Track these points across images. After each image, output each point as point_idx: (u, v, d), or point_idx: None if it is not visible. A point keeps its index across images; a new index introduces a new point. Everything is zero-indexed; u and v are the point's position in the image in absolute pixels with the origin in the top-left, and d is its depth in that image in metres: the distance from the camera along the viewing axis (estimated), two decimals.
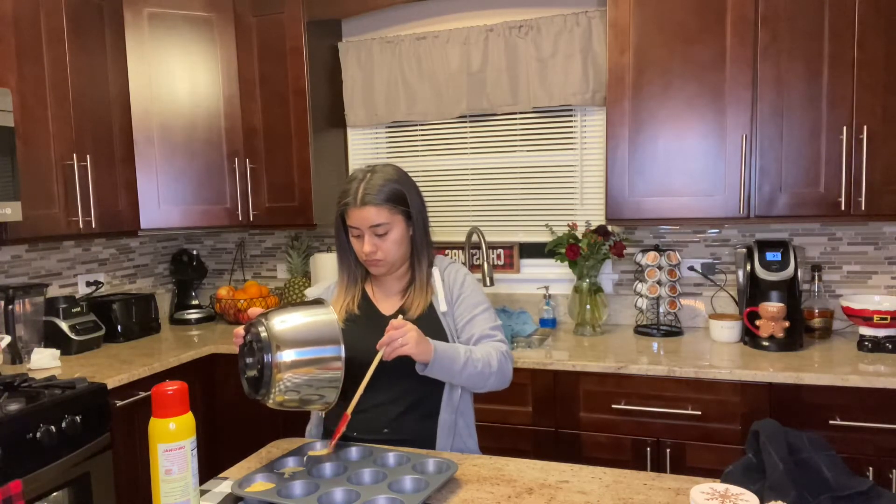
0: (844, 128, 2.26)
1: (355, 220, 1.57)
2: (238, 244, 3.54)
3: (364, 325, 1.62)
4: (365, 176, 1.58)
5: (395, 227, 1.58)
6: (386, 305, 1.67)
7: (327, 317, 1.38)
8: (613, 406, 2.27)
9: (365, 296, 1.69)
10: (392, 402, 1.58)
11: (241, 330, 1.40)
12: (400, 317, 1.44)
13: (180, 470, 1.12)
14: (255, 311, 1.41)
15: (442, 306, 1.63)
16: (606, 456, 2.28)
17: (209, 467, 2.76)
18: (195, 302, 3.40)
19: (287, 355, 1.31)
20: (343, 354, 1.36)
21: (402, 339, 1.39)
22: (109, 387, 2.24)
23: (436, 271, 1.66)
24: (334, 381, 1.36)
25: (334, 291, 1.72)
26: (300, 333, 1.35)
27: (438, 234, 3.15)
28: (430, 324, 1.61)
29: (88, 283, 3.04)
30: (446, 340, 1.60)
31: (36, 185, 2.39)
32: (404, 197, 1.59)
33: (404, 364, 1.54)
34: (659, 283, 2.67)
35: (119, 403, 2.30)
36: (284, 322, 1.35)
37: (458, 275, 1.68)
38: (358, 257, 1.64)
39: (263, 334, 1.32)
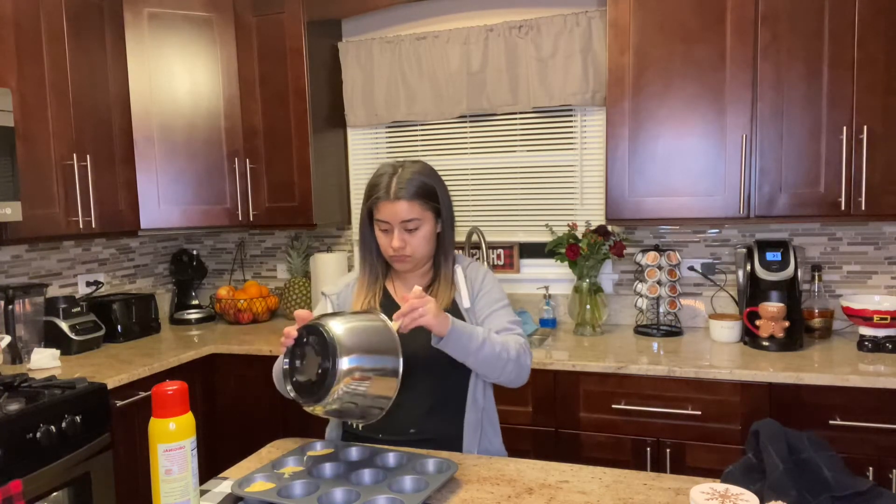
0: (844, 128, 2.26)
1: (386, 214, 1.54)
2: (238, 244, 3.54)
3: None
4: (396, 170, 1.56)
5: (425, 223, 1.57)
6: None
7: (386, 325, 1.34)
8: (613, 406, 2.27)
9: (386, 293, 1.67)
10: (416, 402, 1.57)
11: (293, 331, 1.34)
12: (418, 288, 1.41)
13: (180, 470, 1.12)
14: (304, 313, 1.36)
15: (465, 302, 1.63)
16: (606, 456, 2.28)
17: (209, 467, 2.76)
18: (195, 302, 3.40)
19: (351, 362, 1.25)
20: (401, 367, 1.32)
21: (421, 308, 1.36)
22: (109, 387, 2.24)
23: (458, 268, 1.67)
24: (389, 392, 1.32)
25: (354, 287, 1.69)
26: (364, 340, 1.29)
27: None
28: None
29: (88, 283, 3.04)
30: None
31: (36, 185, 2.39)
32: (436, 193, 1.58)
33: (426, 361, 1.54)
34: (659, 283, 2.67)
35: (119, 403, 2.30)
36: (347, 327, 1.29)
37: (479, 272, 1.69)
38: (382, 252, 1.62)
39: (328, 338, 1.26)
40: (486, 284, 1.66)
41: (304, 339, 1.31)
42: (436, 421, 1.58)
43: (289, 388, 1.33)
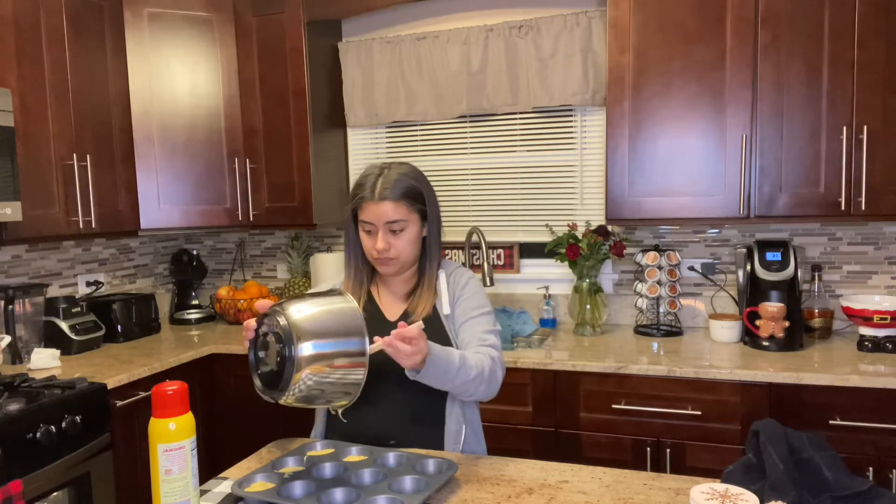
0: (844, 128, 2.26)
1: (371, 214, 1.52)
2: (238, 244, 3.54)
3: (368, 329, 1.59)
4: (382, 171, 1.54)
5: (410, 226, 1.54)
6: (392, 310, 1.63)
7: (348, 305, 1.27)
8: (613, 406, 2.27)
9: (370, 298, 1.65)
10: (395, 413, 1.55)
11: (252, 322, 1.30)
12: (419, 326, 1.31)
13: (180, 470, 1.12)
14: (264, 302, 1.30)
15: (445, 309, 1.60)
16: (606, 456, 2.28)
17: (209, 467, 2.76)
18: (195, 302, 3.40)
19: (310, 347, 1.19)
20: (368, 347, 1.25)
21: (408, 358, 1.28)
22: (109, 387, 2.24)
23: (441, 274, 1.64)
24: (358, 376, 1.24)
25: None
26: (323, 323, 1.22)
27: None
28: (434, 326, 1.58)
29: (88, 283, 3.04)
30: (448, 343, 1.57)
31: (36, 185, 2.39)
32: (422, 195, 1.56)
33: (402, 370, 1.53)
34: (659, 283, 2.67)
35: (119, 403, 2.30)
36: (304, 311, 1.22)
37: (462, 278, 1.65)
38: (367, 255, 1.59)
39: (283, 324, 1.19)
40: (466, 290, 1.62)
41: (264, 328, 1.26)
42: (416, 430, 1.55)
43: (255, 381, 1.28)
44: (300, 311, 1.23)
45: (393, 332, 1.29)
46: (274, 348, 1.23)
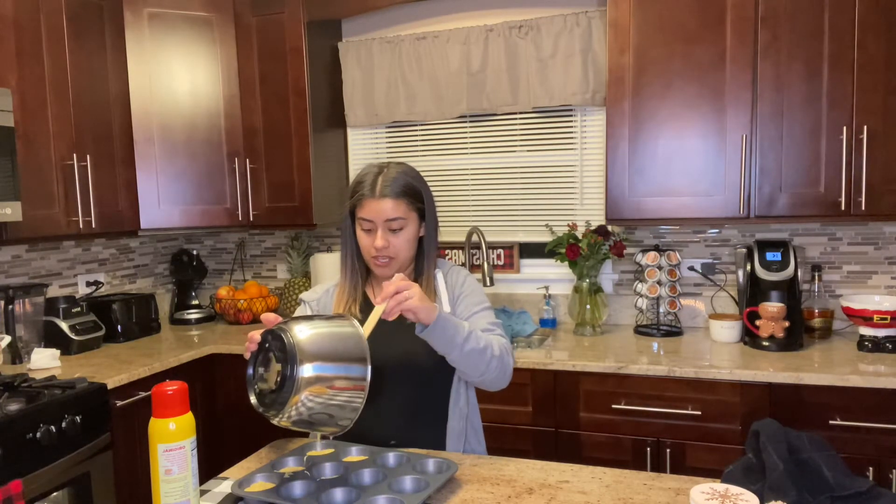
0: (844, 128, 2.26)
1: (370, 212, 1.51)
2: (238, 244, 3.54)
3: None
4: (381, 169, 1.54)
5: (409, 225, 1.54)
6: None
7: (354, 331, 1.26)
8: (613, 406, 2.27)
9: (366, 299, 1.64)
10: (397, 411, 1.54)
11: (257, 335, 1.28)
12: (400, 275, 1.35)
13: (180, 470, 1.12)
14: (271, 316, 1.29)
15: (446, 307, 1.59)
16: (606, 456, 2.28)
17: (209, 467, 2.75)
18: (195, 302, 3.40)
19: (312, 370, 1.17)
20: (369, 375, 1.22)
21: (406, 292, 1.30)
22: (109, 387, 2.24)
23: (439, 274, 1.63)
24: (356, 403, 1.23)
25: (334, 294, 1.67)
26: (328, 347, 1.21)
27: (439, 234, 3.15)
28: None
29: (88, 283, 3.04)
30: None
31: (36, 185, 2.39)
32: (421, 194, 1.56)
33: (407, 368, 1.52)
34: (659, 283, 2.67)
35: (119, 403, 2.30)
36: (310, 333, 1.21)
37: (460, 276, 1.65)
38: (364, 255, 1.58)
39: (289, 344, 1.18)
40: (466, 288, 1.62)
41: (268, 345, 1.25)
42: (417, 430, 1.55)
43: (252, 396, 1.26)
44: (306, 332, 1.21)
45: (387, 288, 1.31)
46: (275, 367, 1.21)
